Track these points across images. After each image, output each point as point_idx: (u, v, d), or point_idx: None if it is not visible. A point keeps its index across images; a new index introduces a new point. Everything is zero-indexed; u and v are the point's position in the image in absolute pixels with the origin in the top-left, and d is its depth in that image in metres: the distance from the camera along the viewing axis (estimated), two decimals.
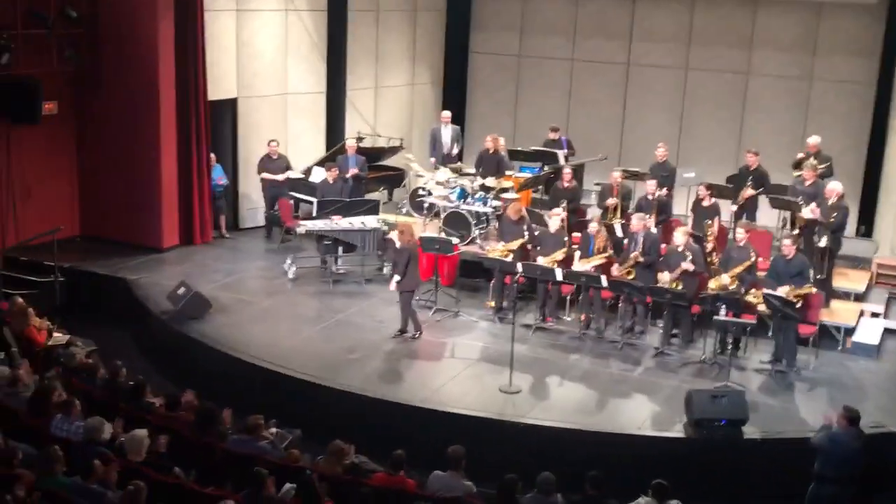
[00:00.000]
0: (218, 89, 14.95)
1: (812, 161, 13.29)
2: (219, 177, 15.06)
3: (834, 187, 12.40)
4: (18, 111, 13.29)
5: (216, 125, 15.05)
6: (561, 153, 15.29)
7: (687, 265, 11.47)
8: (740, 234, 11.67)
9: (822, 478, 8.59)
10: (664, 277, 11.65)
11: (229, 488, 8.00)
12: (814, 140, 13.82)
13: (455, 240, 13.06)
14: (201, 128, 14.43)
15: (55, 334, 11.08)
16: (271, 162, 15.09)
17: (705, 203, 13.06)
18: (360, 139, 15.56)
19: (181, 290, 12.15)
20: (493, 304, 12.68)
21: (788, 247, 11.25)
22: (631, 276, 11.86)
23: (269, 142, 15.09)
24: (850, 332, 12.04)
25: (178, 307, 12.04)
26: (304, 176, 15.38)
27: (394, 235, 11.98)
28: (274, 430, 9.25)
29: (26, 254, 13.48)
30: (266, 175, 15.10)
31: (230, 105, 15.41)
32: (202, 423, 8.89)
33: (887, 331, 12.37)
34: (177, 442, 8.48)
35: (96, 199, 14.55)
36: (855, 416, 8.65)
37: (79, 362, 10.11)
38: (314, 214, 13.87)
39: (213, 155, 14.90)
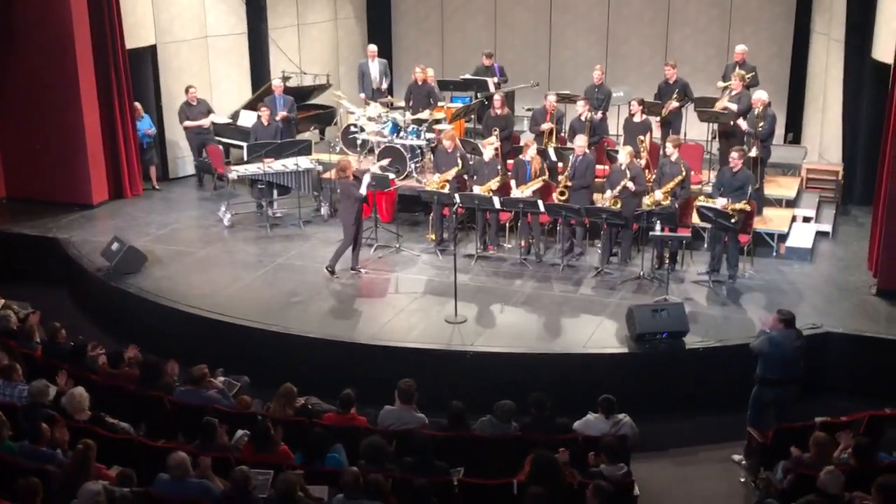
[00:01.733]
0: (135, 37, 14.54)
1: (739, 70, 13.39)
2: (146, 128, 14.73)
3: (759, 96, 12.54)
4: None
5: (137, 74, 14.66)
6: (492, 81, 15.20)
7: (629, 184, 11.53)
8: (670, 148, 11.75)
9: (765, 381, 8.76)
10: (606, 195, 11.71)
11: (181, 440, 7.98)
12: (740, 48, 13.92)
13: (391, 175, 12.97)
14: (122, 78, 14.04)
15: None
16: (191, 108, 14.79)
17: (636, 119, 13.11)
18: (286, 79, 15.29)
19: (115, 246, 11.93)
20: (433, 236, 12.68)
21: (735, 160, 11.26)
22: (565, 198, 11.89)
23: (187, 88, 14.77)
24: (783, 237, 12.29)
25: (112, 263, 11.83)
26: (231, 120, 15.11)
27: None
28: (222, 378, 9.22)
29: None
30: (188, 123, 14.80)
31: (150, 52, 14.99)
32: (147, 376, 8.82)
33: (819, 234, 12.66)
34: (123, 398, 8.41)
35: (19, 160, 14.11)
36: (789, 318, 8.75)
37: (15, 326, 9.92)
38: (245, 159, 13.65)
39: (138, 104, 14.55)
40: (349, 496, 6.73)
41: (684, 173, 11.57)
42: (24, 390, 8.25)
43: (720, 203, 11.13)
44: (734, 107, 12.80)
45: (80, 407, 7.96)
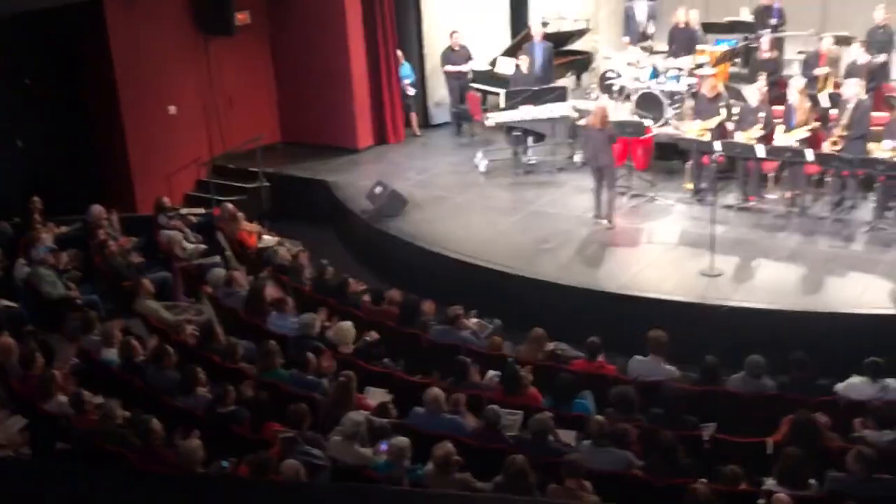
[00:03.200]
0: None
1: None
2: (406, 76, 15.19)
3: None
4: (213, 23, 13.78)
5: (401, 20, 15.10)
6: (770, 23, 14.39)
7: None
8: None
9: None
10: (883, 146, 10.89)
11: (436, 376, 8.32)
12: None
13: (648, 122, 12.69)
14: (387, 25, 14.55)
15: (264, 237, 11.71)
16: (454, 53, 15.06)
17: None
18: (544, 24, 15.24)
19: (378, 190, 12.49)
20: (691, 186, 12.31)
21: None
22: (839, 148, 11.16)
23: (451, 33, 15.03)
24: None
25: (376, 206, 12.41)
26: (490, 67, 15.29)
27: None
28: (475, 320, 9.48)
29: (233, 161, 14.23)
30: (450, 67, 15.09)
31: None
32: (406, 315, 9.24)
33: None
34: (384, 334, 8.86)
35: (294, 106, 15.03)
36: None
37: (287, 262, 10.66)
38: (502, 106, 13.81)
39: (399, 52, 15.02)
40: (596, 443, 6.78)
41: None
42: (295, 322, 8.88)
43: None
44: None
45: (345, 340, 8.48)
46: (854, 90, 11.25)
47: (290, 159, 14.60)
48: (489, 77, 15.12)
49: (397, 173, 13.71)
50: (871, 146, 11.20)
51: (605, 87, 14.82)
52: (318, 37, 14.40)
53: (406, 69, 15.23)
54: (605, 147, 11.42)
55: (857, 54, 12.35)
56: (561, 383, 7.75)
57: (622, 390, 7.33)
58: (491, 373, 8.16)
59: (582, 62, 16.00)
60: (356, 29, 14.28)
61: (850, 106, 11.19)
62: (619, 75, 14.36)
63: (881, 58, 12.73)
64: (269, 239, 11.67)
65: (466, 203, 12.75)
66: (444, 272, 11.19)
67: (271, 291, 9.59)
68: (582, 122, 12.62)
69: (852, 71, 12.30)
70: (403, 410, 7.37)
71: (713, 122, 12.04)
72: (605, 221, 11.61)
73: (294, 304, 9.31)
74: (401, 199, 12.45)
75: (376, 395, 7.75)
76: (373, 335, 8.67)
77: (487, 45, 15.96)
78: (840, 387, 7.79)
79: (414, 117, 15.51)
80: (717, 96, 12.20)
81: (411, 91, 15.20)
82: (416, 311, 9.28)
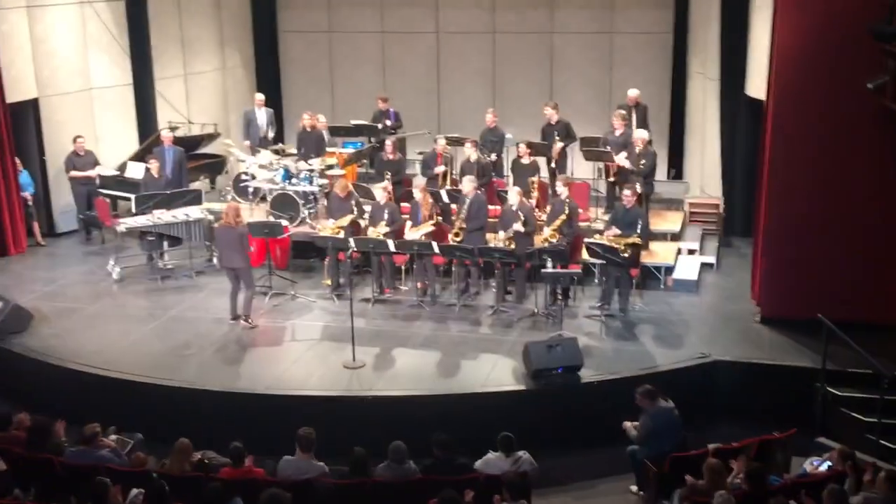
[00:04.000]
0: (15, 91, 14.16)
1: (620, 111, 13.83)
2: (24, 183, 14.30)
3: (640, 135, 13.01)
4: None
5: (18, 128, 14.27)
6: (382, 125, 15.34)
7: (518, 227, 11.71)
8: (560, 188, 12.01)
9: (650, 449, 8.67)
10: (499, 236, 11.87)
11: (73, 503, 7.70)
12: (633, 93, 14.34)
13: (284, 222, 12.89)
14: (2, 132, 13.65)
15: None
16: (79, 159, 14.48)
17: (524, 161, 13.38)
18: (172, 129, 15.09)
19: None
20: (329, 282, 12.62)
21: (627, 197, 11.62)
22: (460, 239, 12.02)
23: (75, 138, 14.47)
24: (669, 270, 12.65)
25: None
26: (118, 172, 14.81)
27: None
28: (114, 436, 8.94)
29: None
30: (75, 173, 14.47)
31: (31, 106, 14.61)
32: (35, 438, 8.50)
33: (704, 265, 13.07)
34: (12, 462, 8.07)
35: None
36: (651, 391, 8.72)
37: None
38: (134, 210, 13.38)
39: (17, 160, 14.12)
40: None
41: (567, 212, 11.79)
42: None
43: (610, 234, 11.42)
44: (625, 164, 13.07)
45: None
46: (469, 186, 12.20)
47: None
48: (118, 182, 14.63)
49: (20, 286, 12.79)
50: (489, 236, 12.17)
51: (240, 190, 14.88)
52: None
53: (24, 177, 14.33)
54: (238, 246, 11.43)
55: (469, 153, 13.43)
56: (210, 494, 7.47)
57: (272, 492, 7.21)
58: (135, 491, 7.69)
59: (215, 165, 15.99)
60: None
61: (468, 200, 12.11)
62: (253, 177, 14.49)
63: (492, 157, 13.98)
64: None
65: (99, 313, 12.13)
66: (77, 388, 10.49)
67: None
68: (215, 223, 12.54)
69: (466, 168, 13.34)
70: None
71: (346, 220, 12.48)
72: (243, 322, 11.54)
73: None
74: (25, 313, 11.57)
75: None
76: None
77: (116, 150, 15.48)
78: (478, 463, 8.23)
79: (36, 226, 14.57)
80: (349, 195, 12.70)
81: (30, 199, 14.33)
82: (46, 432, 8.57)
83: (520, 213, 11.81)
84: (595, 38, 16.74)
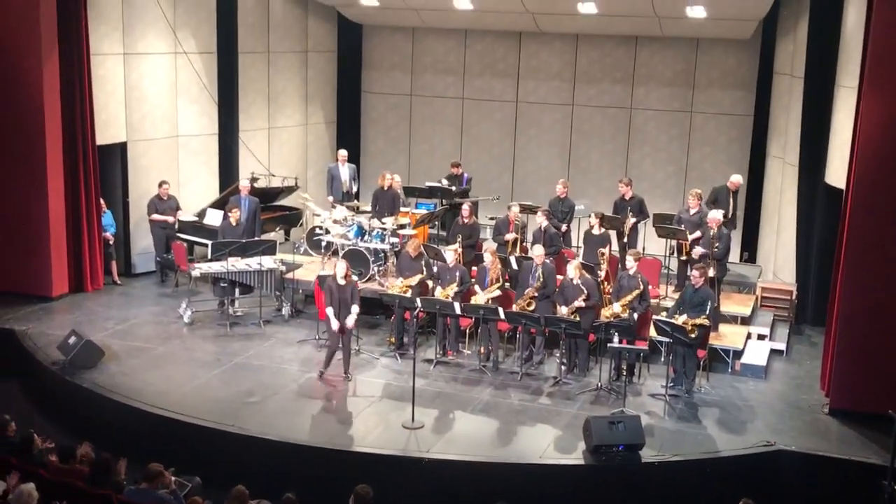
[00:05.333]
0: (106, 134, 14.68)
1: (696, 190, 13.76)
2: (106, 223, 14.73)
3: (714, 216, 12.85)
4: None
5: (106, 170, 14.76)
6: (453, 188, 15.53)
7: (579, 303, 11.68)
8: (630, 262, 11.99)
9: None
10: (561, 311, 11.85)
11: None
12: (737, 178, 14.39)
13: (354, 277, 13.02)
14: (90, 172, 14.12)
15: None
16: (161, 203, 14.88)
17: (595, 232, 13.38)
18: (253, 180, 15.46)
19: (72, 340, 11.80)
20: (393, 340, 12.69)
21: (696, 278, 11.54)
22: (532, 308, 12.01)
23: (161, 183, 14.88)
24: (738, 354, 12.44)
25: (68, 357, 11.68)
26: (197, 218, 15.17)
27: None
28: (173, 478, 9.02)
29: None
30: (156, 216, 14.87)
31: (119, 149, 15.12)
32: (97, 474, 8.61)
33: (773, 351, 12.83)
34: (72, 496, 8.20)
35: None
36: None
37: None
38: (209, 256, 13.67)
39: (101, 201, 14.57)
40: None
41: (641, 287, 11.76)
42: None
43: (679, 320, 11.30)
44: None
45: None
46: (538, 253, 12.21)
47: None
48: (196, 228, 14.98)
49: (94, 322, 13.09)
50: (559, 309, 12.10)
51: (314, 243, 15.12)
52: (17, 178, 13.64)
53: (108, 217, 14.77)
54: (349, 302, 11.57)
55: (540, 221, 13.46)
56: None
57: None
58: None
59: (290, 217, 16.28)
60: (56, 174, 13.69)
61: (539, 269, 12.11)
62: (327, 231, 14.72)
63: (563, 227, 14.03)
64: None
65: (168, 354, 12.34)
66: (142, 427, 10.65)
67: None
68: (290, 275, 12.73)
69: (537, 237, 13.37)
70: None
71: (415, 280, 12.58)
72: (342, 377, 11.67)
73: None
74: (96, 350, 11.83)
75: None
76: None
77: (196, 196, 15.89)
78: None
79: (114, 265, 14.96)
80: (419, 255, 12.81)
81: (111, 239, 14.76)
82: (108, 469, 8.68)
83: (582, 286, 11.78)
84: (675, 115, 16.80)
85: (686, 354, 11.39)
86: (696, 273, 11.59)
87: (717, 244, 12.59)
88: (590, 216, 13.60)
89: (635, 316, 11.70)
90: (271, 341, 12.85)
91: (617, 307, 11.73)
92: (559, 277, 12.54)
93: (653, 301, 12.77)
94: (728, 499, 8.68)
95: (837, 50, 13.20)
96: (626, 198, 14.15)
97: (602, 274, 12.55)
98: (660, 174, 16.81)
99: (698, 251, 12.74)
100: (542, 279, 11.99)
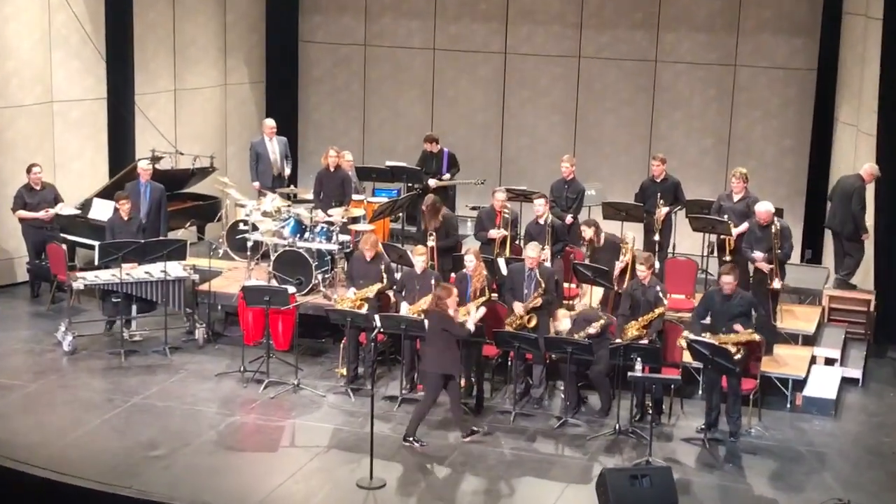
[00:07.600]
0: None
1: (741, 168, 13.71)
2: None
3: (763, 208, 12.68)
4: None
5: None
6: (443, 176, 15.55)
7: (593, 329, 11.72)
8: (641, 271, 11.87)
9: None
10: (562, 326, 11.86)
11: None
12: (871, 167, 13.90)
13: (291, 288, 13.00)
14: None
15: None
16: (33, 195, 14.78)
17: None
18: (155, 160, 15.39)
19: None
20: (344, 371, 12.67)
21: (730, 284, 11.45)
22: (533, 325, 12.00)
23: (30, 167, 14.78)
24: (799, 384, 12.51)
25: None
26: (80, 212, 15.08)
27: None
28: None
29: None
30: (23, 213, 14.76)
31: None
32: None
33: (845, 380, 12.91)
34: None
35: None
36: None
37: None
38: (97, 263, 13.59)
39: None
40: None
41: (666, 304, 11.72)
42: None
43: (712, 337, 11.32)
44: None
45: None
46: (532, 255, 12.14)
47: None
48: (80, 224, 14.89)
49: None
50: (557, 323, 12.11)
51: (236, 243, 15.07)
52: None
53: None
54: (451, 344, 11.38)
55: (539, 211, 13.38)
56: None
57: None
58: None
59: (206, 209, 16.23)
60: None
61: (534, 274, 12.10)
62: (254, 228, 14.67)
63: (568, 218, 13.97)
64: None
65: (43, 393, 12.30)
66: (8, 491, 10.56)
67: None
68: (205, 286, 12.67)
69: (533, 232, 13.30)
70: None
71: (372, 291, 12.55)
72: (467, 437, 11.52)
73: None
74: None
75: None
76: None
77: (78, 183, 15.80)
78: None
79: None
80: (377, 258, 12.77)
81: None
82: None
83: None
84: (713, 70, 16.89)
85: (728, 385, 11.42)
86: (729, 278, 11.47)
87: (778, 244, 12.52)
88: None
89: (655, 335, 11.69)
90: (181, 375, 12.83)
91: (633, 332, 11.68)
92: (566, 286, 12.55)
93: (684, 315, 12.79)
94: None
95: None
96: (658, 179, 14.15)
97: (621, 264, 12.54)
98: (693, 148, 16.90)
99: (759, 258, 12.66)
100: (543, 285, 11.99)
